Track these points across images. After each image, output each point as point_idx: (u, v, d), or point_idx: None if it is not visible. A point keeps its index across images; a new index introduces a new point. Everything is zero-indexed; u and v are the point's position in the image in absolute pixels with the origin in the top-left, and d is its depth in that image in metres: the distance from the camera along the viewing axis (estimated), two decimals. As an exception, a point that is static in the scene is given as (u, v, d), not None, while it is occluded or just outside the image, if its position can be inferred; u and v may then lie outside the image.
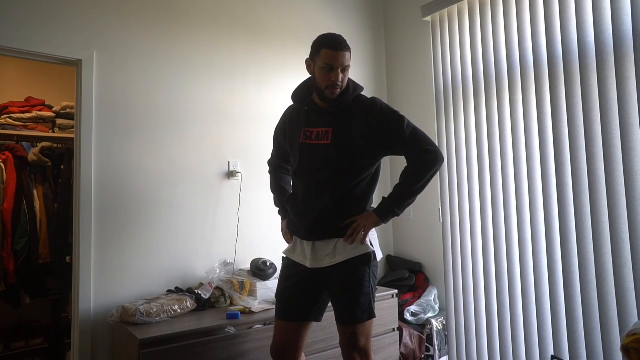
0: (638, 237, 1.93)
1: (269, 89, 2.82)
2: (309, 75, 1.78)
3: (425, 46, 3.04)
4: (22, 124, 3.10)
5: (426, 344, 2.70)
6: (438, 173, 2.73)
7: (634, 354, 1.44)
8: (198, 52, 2.58)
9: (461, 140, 2.71)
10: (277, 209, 1.97)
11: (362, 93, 1.80)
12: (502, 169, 2.49)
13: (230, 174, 2.64)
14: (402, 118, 1.72)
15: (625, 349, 1.48)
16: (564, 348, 2.19)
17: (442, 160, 1.72)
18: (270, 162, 2.02)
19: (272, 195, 2.02)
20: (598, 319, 2.06)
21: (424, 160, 1.70)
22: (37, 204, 2.92)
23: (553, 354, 2.22)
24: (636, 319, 1.90)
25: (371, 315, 1.69)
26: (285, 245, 1.90)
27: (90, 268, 2.18)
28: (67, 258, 2.87)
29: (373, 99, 1.78)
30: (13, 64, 3.42)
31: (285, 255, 1.86)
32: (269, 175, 2.03)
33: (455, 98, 2.76)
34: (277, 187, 1.96)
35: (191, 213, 2.50)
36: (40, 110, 3.20)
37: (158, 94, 2.44)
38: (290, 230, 1.84)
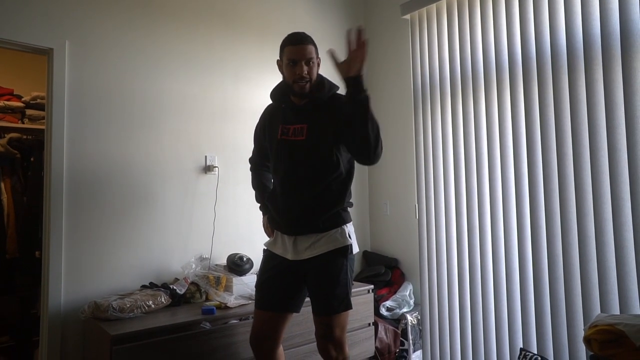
0: (603, 234, 2.01)
1: (247, 83, 2.80)
2: None
3: (404, 44, 3.07)
4: (-12, 113, 2.99)
5: (401, 339, 2.74)
6: (414, 170, 2.83)
7: (595, 344, 1.51)
8: (175, 45, 2.54)
9: (437, 137, 2.76)
10: (259, 205, 1.99)
11: (339, 92, 1.83)
12: (477, 167, 2.55)
13: (207, 169, 2.61)
14: None
15: (587, 340, 1.55)
16: (532, 340, 2.26)
17: (380, 150, 1.66)
18: (251, 160, 2.05)
19: (249, 190, 2.06)
20: (564, 313, 2.14)
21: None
22: (5, 197, 2.82)
23: (522, 346, 2.29)
24: (599, 312, 1.99)
25: (347, 306, 1.73)
26: (265, 238, 1.92)
27: (60, 263, 2.12)
28: (37, 253, 2.79)
29: None
30: (-21, 51, 3.28)
31: (265, 247, 1.89)
32: (249, 172, 2.05)
33: (433, 96, 2.80)
34: (259, 184, 1.99)
35: (167, 207, 2.46)
36: (8, 100, 3.09)
37: (133, 85, 2.39)
38: (272, 226, 1.87)
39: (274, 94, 1.86)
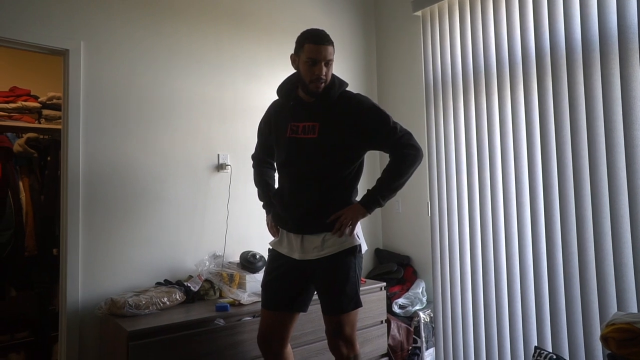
0: (619, 231, 1.98)
1: (258, 81, 2.81)
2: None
3: (415, 41, 3.05)
4: (6, 114, 3.04)
5: (413, 336, 2.74)
6: (426, 167, 2.82)
7: (612, 342, 1.49)
8: (187, 45, 2.56)
9: (450, 134, 2.74)
10: (262, 203, 1.99)
11: (348, 88, 1.83)
12: (489, 163, 2.53)
13: (220, 167, 2.63)
14: (387, 116, 1.77)
15: (604, 339, 1.53)
16: (547, 339, 2.24)
17: (423, 156, 1.80)
18: (254, 156, 2.04)
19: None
20: (580, 310, 2.11)
21: (409, 155, 1.75)
22: (23, 196, 2.88)
23: (536, 344, 2.27)
24: (616, 310, 1.96)
25: (357, 304, 1.74)
26: (271, 237, 1.92)
27: (77, 260, 2.16)
28: (54, 250, 2.85)
29: (358, 95, 1.82)
30: (-3, 53, 3.35)
31: (271, 247, 1.88)
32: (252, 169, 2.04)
33: (445, 93, 2.78)
34: (261, 181, 1.98)
35: (180, 205, 2.49)
36: (25, 101, 3.14)
37: (147, 85, 2.42)
38: (277, 224, 1.86)
39: (282, 90, 1.84)
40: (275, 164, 1.91)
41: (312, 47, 1.67)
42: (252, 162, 2.06)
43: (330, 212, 1.74)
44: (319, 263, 1.73)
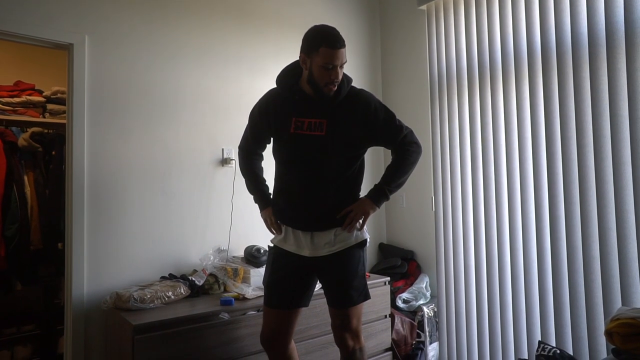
0: (624, 226, 1.98)
1: (263, 76, 2.80)
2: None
3: (420, 35, 3.03)
4: (11, 108, 3.05)
5: (417, 331, 2.75)
6: (430, 162, 2.82)
7: (617, 337, 1.49)
8: (192, 39, 2.55)
9: (454, 129, 2.73)
10: (253, 197, 1.93)
11: (352, 83, 1.82)
12: (494, 158, 2.52)
13: (224, 161, 2.64)
14: (392, 114, 1.79)
15: (608, 333, 1.53)
16: (550, 333, 2.24)
17: (422, 152, 1.85)
18: (242, 147, 1.94)
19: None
20: (584, 305, 2.11)
21: (413, 152, 1.79)
22: (28, 190, 2.89)
23: (540, 339, 2.27)
24: (620, 305, 1.96)
25: (367, 297, 1.76)
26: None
27: (82, 254, 2.17)
28: (59, 244, 2.86)
29: (363, 91, 1.80)
30: (1, 47, 3.35)
31: (273, 244, 1.85)
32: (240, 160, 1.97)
33: (450, 87, 2.77)
34: (253, 173, 1.93)
35: (185, 200, 2.49)
36: (30, 95, 3.15)
37: (151, 80, 2.42)
38: (281, 221, 1.82)
39: (282, 81, 1.76)
40: (276, 160, 1.85)
41: (329, 51, 1.59)
42: (239, 152, 1.96)
43: (341, 209, 1.74)
44: (328, 258, 1.73)
